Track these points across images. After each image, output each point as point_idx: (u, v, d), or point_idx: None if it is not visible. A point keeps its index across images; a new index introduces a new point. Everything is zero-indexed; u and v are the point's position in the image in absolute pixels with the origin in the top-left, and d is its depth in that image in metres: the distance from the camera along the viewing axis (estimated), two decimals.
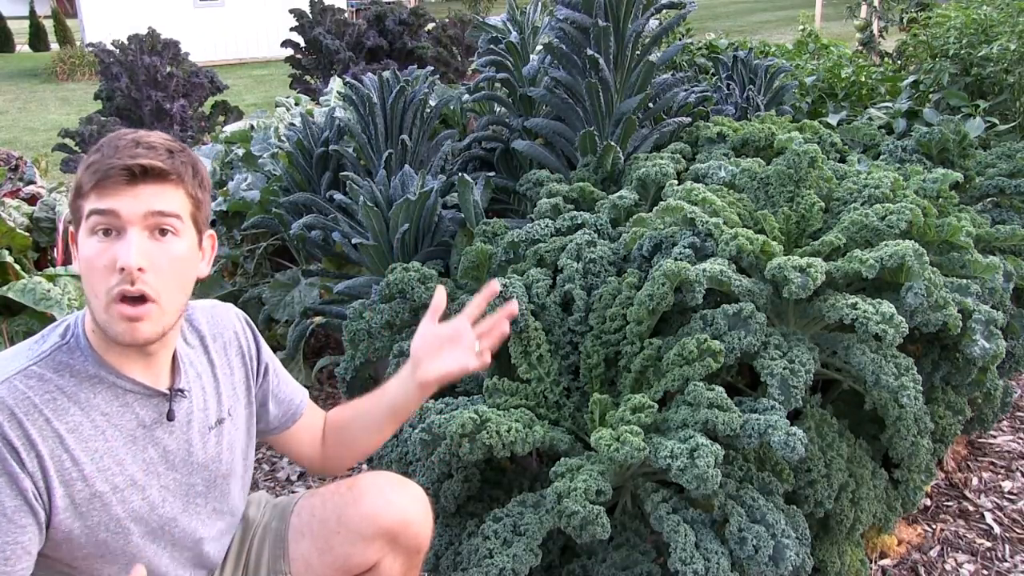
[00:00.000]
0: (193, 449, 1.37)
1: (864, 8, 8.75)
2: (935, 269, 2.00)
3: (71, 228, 1.27)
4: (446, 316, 1.60)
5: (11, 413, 1.18)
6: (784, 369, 1.81)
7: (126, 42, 6.99)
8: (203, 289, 3.34)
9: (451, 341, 1.56)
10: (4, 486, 1.16)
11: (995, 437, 2.85)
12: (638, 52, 3.01)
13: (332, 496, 1.57)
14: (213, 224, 3.24)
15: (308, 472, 2.78)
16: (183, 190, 1.25)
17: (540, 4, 3.56)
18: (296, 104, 4.85)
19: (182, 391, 1.35)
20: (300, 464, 1.72)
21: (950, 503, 2.52)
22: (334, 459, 1.67)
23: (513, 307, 1.62)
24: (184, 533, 1.39)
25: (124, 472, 1.28)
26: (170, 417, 1.33)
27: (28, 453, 1.18)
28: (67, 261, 3.23)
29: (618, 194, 2.50)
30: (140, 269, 1.19)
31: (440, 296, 1.58)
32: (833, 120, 3.88)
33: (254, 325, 1.57)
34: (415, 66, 3.66)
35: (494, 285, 1.64)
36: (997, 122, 3.75)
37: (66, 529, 1.24)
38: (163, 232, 1.22)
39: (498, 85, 3.43)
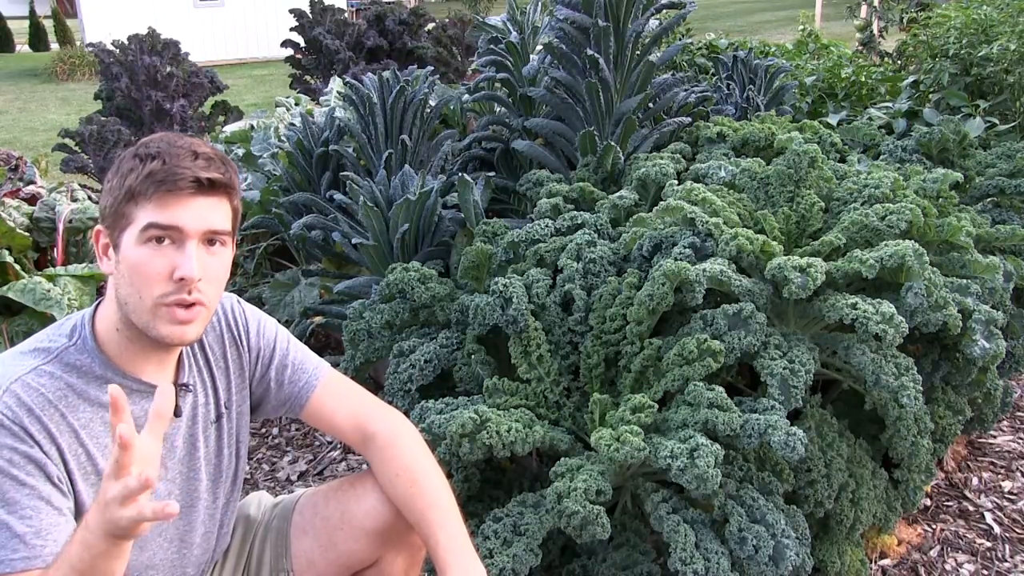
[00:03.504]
0: (197, 444, 1.39)
1: (864, 8, 8.75)
2: (935, 269, 2.00)
3: (99, 227, 1.27)
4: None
5: (29, 409, 1.20)
6: (784, 369, 1.81)
7: (126, 42, 6.99)
8: None
9: None
10: (35, 472, 1.18)
11: (995, 437, 2.85)
12: (638, 52, 3.01)
13: (335, 493, 1.57)
14: None
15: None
16: (231, 203, 1.29)
17: (540, 4, 3.56)
18: (296, 104, 4.85)
19: (187, 386, 1.37)
20: None
21: (950, 503, 2.52)
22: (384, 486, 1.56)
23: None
24: (190, 527, 1.40)
25: None
26: (177, 413, 1.34)
27: (49, 446, 1.21)
28: (67, 261, 3.23)
29: (618, 194, 2.50)
30: (199, 279, 1.23)
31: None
32: (833, 120, 3.87)
33: (251, 309, 1.54)
34: (415, 66, 3.66)
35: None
36: (997, 122, 3.74)
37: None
38: (212, 243, 1.27)
39: (498, 85, 3.43)
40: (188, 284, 1.22)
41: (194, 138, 1.29)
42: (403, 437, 1.53)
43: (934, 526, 2.41)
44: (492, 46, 3.38)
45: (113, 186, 1.24)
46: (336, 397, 1.56)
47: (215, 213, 1.25)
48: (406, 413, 2.14)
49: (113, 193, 1.24)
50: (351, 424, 1.54)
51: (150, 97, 6.73)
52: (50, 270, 2.94)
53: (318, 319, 3.12)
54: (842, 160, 2.97)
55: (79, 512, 1.25)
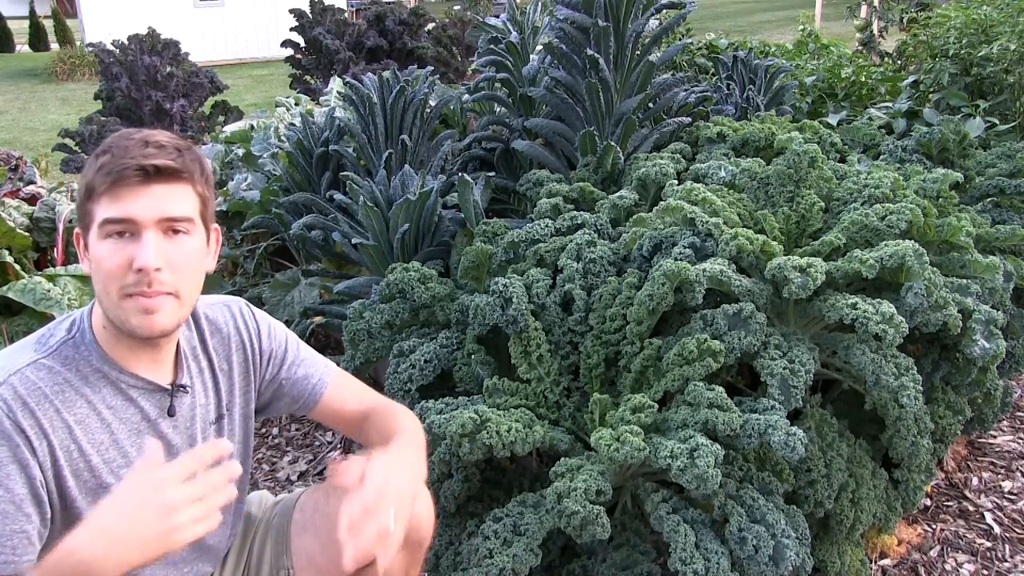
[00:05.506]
0: (196, 444, 1.39)
1: (864, 8, 8.75)
2: (935, 269, 2.00)
3: (77, 229, 1.28)
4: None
5: (23, 403, 1.20)
6: (784, 369, 1.81)
7: (126, 42, 7.00)
8: (203, 288, 3.34)
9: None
10: (15, 474, 1.18)
11: (995, 437, 2.85)
12: (638, 52, 3.01)
13: (335, 491, 1.57)
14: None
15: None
16: (192, 189, 1.27)
17: (540, 4, 3.56)
18: (296, 104, 4.85)
19: (184, 387, 1.37)
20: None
21: (950, 503, 2.52)
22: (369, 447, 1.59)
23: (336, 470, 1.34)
24: None
25: (129, 464, 1.30)
26: (171, 413, 1.34)
27: (40, 442, 1.20)
28: (67, 261, 3.23)
29: (618, 194, 2.50)
30: (157, 269, 1.22)
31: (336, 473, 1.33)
32: (833, 120, 3.88)
33: (259, 312, 1.55)
34: (415, 66, 3.66)
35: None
36: (997, 122, 3.74)
37: (75, 519, 1.25)
38: (176, 231, 1.25)
39: (498, 85, 3.43)
40: (146, 274, 1.21)
41: (155, 130, 1.28)
42: (402, 412, 1.56)
43: (934, 526, 2.41)
44: (492, 46, 3.38)
45: (78, 187, 1.26)
46: (345, 390, 1.59)
47: (170, 200, 1.23)
48: None
49: (79, 194, 1.25)
50: (359, 411, 1.57)
51: (150, 97, 6.74)
52: (50, 270, 2.94)
53: (318, 319, 3.12)
54: (842, 160, 2.97)
55: (66, 508, 1.24)
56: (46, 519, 1.22)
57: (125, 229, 1.21)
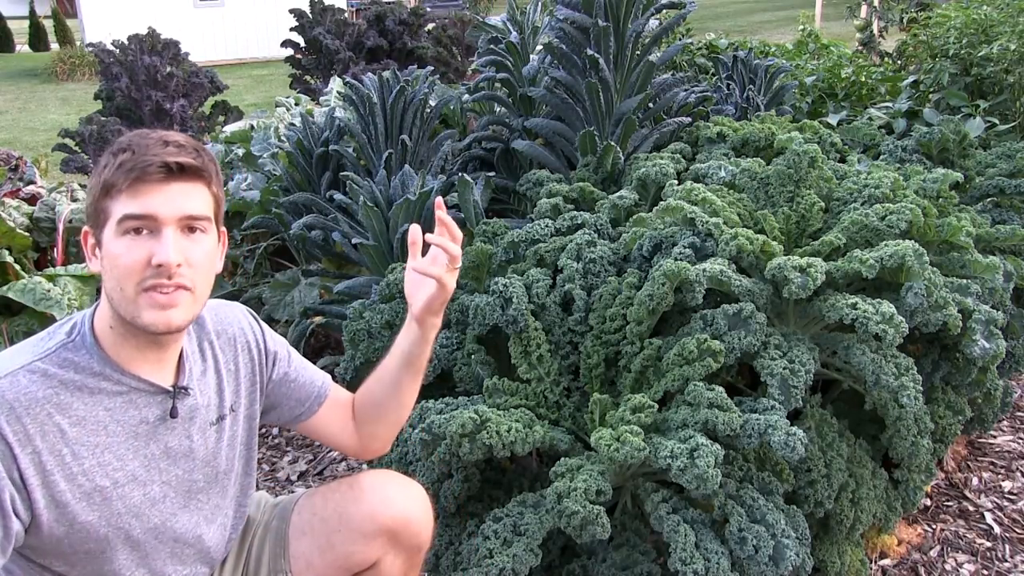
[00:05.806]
0: (194, 445, 1.38)
1: (864, 8, 8.75)
2: (935, 269, 2.00)
3: (86, 228, 1.28)
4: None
5: (10, 408, 1.19)
6: (784, 369, 1.81)
7: (126, 42, 6.99)
8: None
9: (426, 267, 1.48)
10: None
11: (995, 437, 2.85)
12: (638, 52, 3.01)
13: (333, 494, 1.57)
14: None
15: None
16: (208, 189, 1.28)
17: (540, 4, 3.57)
18: (296, 104, 4.85)
19: (186, 389, 1.36)
20: (340, 450, 1.72)
21: (950, 503, 2.52)
22: (369, 436, 1.62)
23: (440, 201, 1.51)
24: (185, 528, 1.39)
25: (125, 468, 1.29)
26: (173, 415, 1.34)
27: (23, 449, 1.19)
28: (67, 261, 3.23)
29: (618, 194, 2.50)
30: (178, 265, 1.22)
31: (415, 233, 1.49)
32: (833, 120, 3.88)
33: (260, 319, 1.57)
34: (415, 66, 3.66)
35: (438, 202, 1.52)
36: (997, 122, 3.75)
37: (70, 522, 1.24)
38: (192, 229, 1.26)
39: (498, 85, 3.43)
40: (167, 270, 1.21)
41: (169, 131, 1.29)
42: None
43: (934, 526, 2.41)
44: (492, 46, 3.38)
45: (92, 185, 1.26)
46: (341, 392, 1.63)
47: (190, 198, 1.24)
48: None
49: (92, 192, 1.25)
50: (351, 409, 1.61)
51: (150, 97, 6.74)
52: (50, 270, 2.94)
53: (318, 319, 3.12)
54: (842, 160, 2.97)
55: (61, 512, 1.23)
56: (11, 532, 1.19)
57: (144, 226, 1.21)
